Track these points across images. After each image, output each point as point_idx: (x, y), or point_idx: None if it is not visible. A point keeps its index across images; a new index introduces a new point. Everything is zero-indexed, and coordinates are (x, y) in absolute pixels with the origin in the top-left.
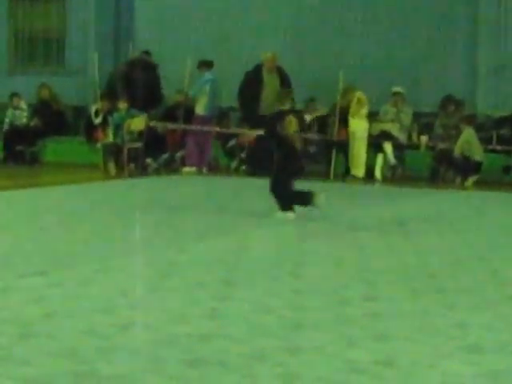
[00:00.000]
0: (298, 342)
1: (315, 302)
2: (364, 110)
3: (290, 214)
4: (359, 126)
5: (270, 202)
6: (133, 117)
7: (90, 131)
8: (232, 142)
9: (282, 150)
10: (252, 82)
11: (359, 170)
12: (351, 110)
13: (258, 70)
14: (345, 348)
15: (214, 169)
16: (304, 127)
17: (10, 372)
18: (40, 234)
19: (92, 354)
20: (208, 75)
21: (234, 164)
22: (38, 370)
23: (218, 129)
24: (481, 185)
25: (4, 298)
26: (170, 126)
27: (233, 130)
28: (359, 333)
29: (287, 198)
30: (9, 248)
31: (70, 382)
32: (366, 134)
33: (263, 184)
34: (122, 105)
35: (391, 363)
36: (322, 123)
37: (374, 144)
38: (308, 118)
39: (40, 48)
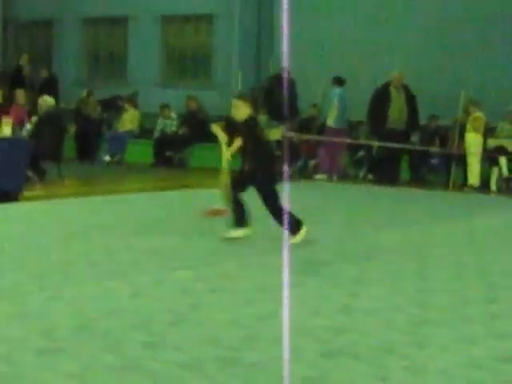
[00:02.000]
0: (424, 337)
1: (439, 301)
2: (480, 127)
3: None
4: (474, 141)
5: (392, 209)
6: (271, 127)
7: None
8: (360, 153)
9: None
10: (381, 98)
11: (474, 180)
12: (468, 126)
13: (386, 87)
14: (467, 345)
15: (343, 177)
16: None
17: (163, 356)
18: (188, 231)
19: (236, 342)
20: (336, 90)
21: (361, 173)
22: (188, 356)
23: (347, 140)
24: None
25: (157, 290)
26: (305, 136)
27: (362, 141)
28: (480, 331)
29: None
30: (161, 244)
31: (217, 368)
32: (480, 149)
33: (387, 191)
34: (262, 116)
35: (510, 360)
36: (443, 137)
37: (490, 158)
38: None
39: (189, 64)
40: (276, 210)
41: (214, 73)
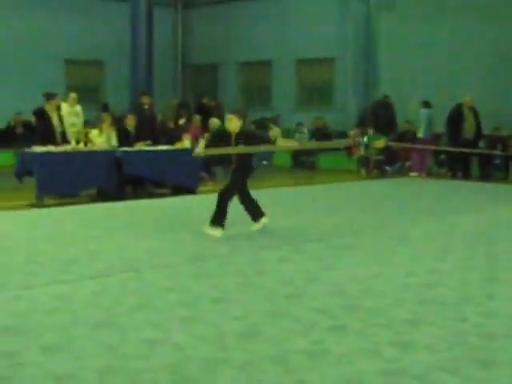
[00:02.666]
0: (493, 290)
1: (504, 264)
2: None
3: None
4: None
5: (466, 197)
6: (377, 139)
7: (348, 147)
8: (442, 156)
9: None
10: (456, 116)
11: None
12: None
13: (459, 107)
14: None
15: (430, 174)
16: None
17: (303, 304)
18: (318, 212)
19: (355, 293)
20: (424, 110)
21: (443, 171)
22: (321, 304)
23: (432, 147)
24: None
25: (297, 256)
26: (401, 145)
27: (443, 148)
28: None
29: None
30: (297, 222)
31: (342, 312)
32: None
33: (462, 185)
34: (370, 131)
35: None
36: (504, 143)
37: None
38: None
39: (316, 93)
40: (247, 200)
41: (334, 99)
